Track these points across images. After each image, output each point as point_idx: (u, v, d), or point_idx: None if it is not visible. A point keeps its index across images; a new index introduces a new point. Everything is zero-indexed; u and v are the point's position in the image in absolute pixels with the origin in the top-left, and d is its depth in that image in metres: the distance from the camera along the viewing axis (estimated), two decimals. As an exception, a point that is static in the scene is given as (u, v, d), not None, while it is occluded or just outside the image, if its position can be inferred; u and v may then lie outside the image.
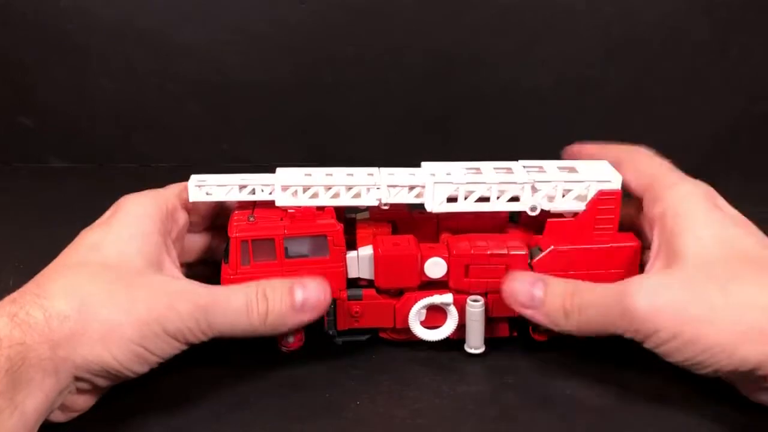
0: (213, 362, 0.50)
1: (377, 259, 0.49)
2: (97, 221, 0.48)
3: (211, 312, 0.44)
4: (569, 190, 0.49)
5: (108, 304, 0.41)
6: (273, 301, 0.45)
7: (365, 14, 0.79)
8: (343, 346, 0.52)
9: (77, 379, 0.41)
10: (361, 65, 0.81)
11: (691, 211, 0.46)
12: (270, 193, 0.49)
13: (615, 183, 0.49)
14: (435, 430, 0.44)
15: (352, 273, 0.50)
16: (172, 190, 0.50)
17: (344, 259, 0.49)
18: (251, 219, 0.49)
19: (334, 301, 0.49)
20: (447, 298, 0.49)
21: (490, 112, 0.82)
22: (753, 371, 0.41)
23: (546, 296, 0.46)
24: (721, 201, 0.47)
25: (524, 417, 0.45)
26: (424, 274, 0.49)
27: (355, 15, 0.79)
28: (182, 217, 0.50)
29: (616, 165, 0.51)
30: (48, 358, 0.39)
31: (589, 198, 0.49)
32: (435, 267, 0.49)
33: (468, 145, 0.54)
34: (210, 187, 0.49)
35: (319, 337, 0.52)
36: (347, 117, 0.83)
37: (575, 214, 0.50)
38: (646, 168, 0.50)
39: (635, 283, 0.43)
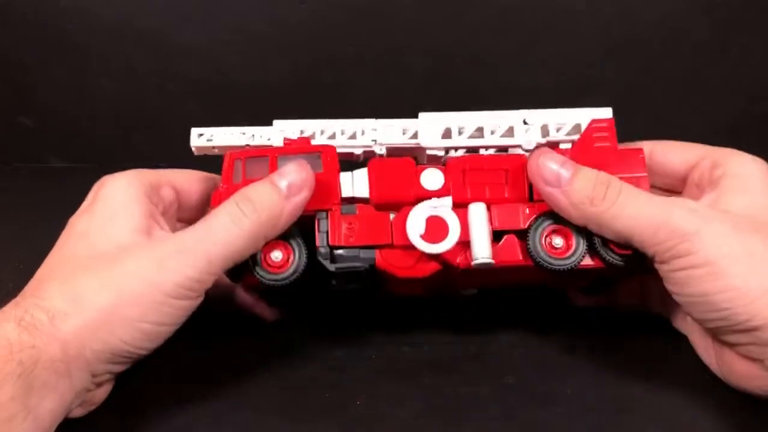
0: (213, 362, 0.50)
1: (372, 169, 0.48)
2: (82, 206, 0.47)
3: (202, 247, 0.42)
4: (563, 124, 0.50)
5: (100, 290, 0.41)
6: (258, 198, 0.44)
7: (365, 14, 0.79)
8: (343, 346, 0.52)
9: (94, 375, 0.41)
10: (361, 65, 0.81)
11: (750, 176, 0.46)
12: (268, 139, 0.50)
13: (607, 113, 0.50)
14: (435, 430, 0.44)
15: (346, 191, 0.48)
16: (158, 170, 0.50)
17: (338, 175, 0.48)
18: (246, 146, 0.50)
19: (326, 213, 0.47)
20: (446, 201, 0.47)
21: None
22: (756, 329, 0.41)
23: (574, 177, 0.44)
24: None
25: (524, 417, 0.45)
26: (420, 186, 0.48)
27: (355, 15, 0.79)
28: (169, 194, 0.50)
29: (653, 152, 0.51)
30: (60, 360, 0.39)
31: (583, 129, 0.49)
32: (431, 177, 0.48)
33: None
34: (210, 134, 0.51)
35: (319, 338, 0.52)
36: (347, 117, 0.82)
37: (572, 144, 0.50)
38: (691, 146, 0.50)
39: (686, 203, 0.43)
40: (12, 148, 0.85)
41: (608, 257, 0.46)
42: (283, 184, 0.44)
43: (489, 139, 0.49)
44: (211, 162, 0.55)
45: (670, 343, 0.52)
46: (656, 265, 0.43)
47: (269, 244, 0.46)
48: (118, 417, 0.45)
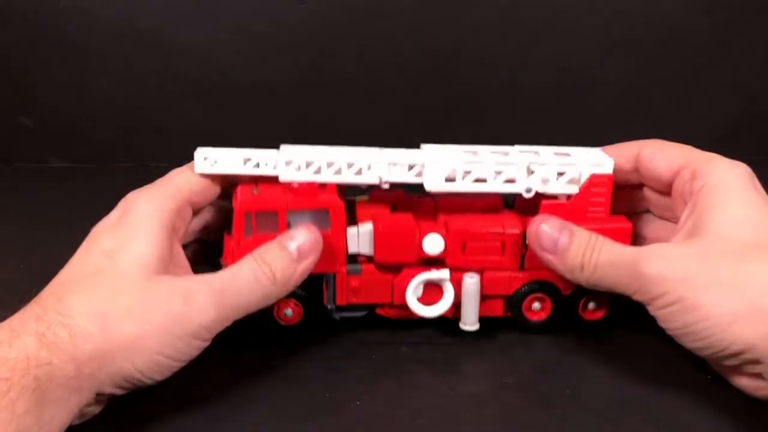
0: (213, 362, 0.50)
1: (377, 234, 0.50)
2: (108, 220, 0.47)
3: (227, 294, 0.44)
4: (563, 173, 0.51)
5: (127, 317, 0.41)
6: (273, 260, 0.46)
7: (365, 14, 0.79)
8: (343, 346, 0.52)
9: (99, 394, 0.41)
10: (361, 65, 0.81)
11: (728, 186, 0.46)
12: (274, 167, 0.50)
13: (607, 167, 0.51)
14: (435, 430, 0.44)
15: (352, 248, 0.51)
16: (178, 183, 0.50)
17: (345, 234, 0.50)
18: (255, 191, 0.50)
19: (333, 276, 0.50)
20: (444, 273, 0.50)
21: (490, 112, 0.83)
22: (741, 353, 0.42)
23: (570, 245, 0.47)
24: (758, 183, 0.47)
25: (524, 417, 0.45)
26: (422, 250, 0.50)
27: (355, 15, 0.79)
28: (189, 215, 0.50)
29: (640, 156, 0.51)
30: (74, 377, 0.39)
31: (582, 181, 0.51)
32: (433, 243, 0.50)
33: (468, 144, 0.54)
34: (215, 159, 0.50)
35: (319, 338, 0.52)
36: (347, 117, 0.83)
37: (569, 197, 0.51)
38: (676, 151, 0.50)
39: (651, 249, 0.45)
40: (12, 148, 0.85)
41: (584, 321, 0.53)
42: (292, 247, 0.46)
43: (491, 185, 0.51)
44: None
45: (670, 343, 0.52)
46: (646, 307, 0.45)
47: (281, 302, 0.50)
48: (117, 417, 0.45)
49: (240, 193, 0.50)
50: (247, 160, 0.50)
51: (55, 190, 0.79)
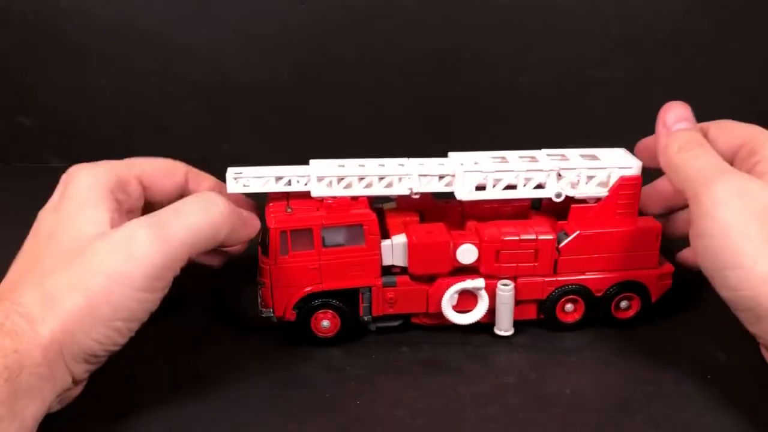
0: (213, 362, 0.50)
1: (411, 247, 0.50)
2: (51, 200, 0.47)
3: (170, 231, 0.42)
4: (592, 177, 0.51)
5: (71, 292, 0.40)
6: (221, 201, 0.45)
7: (365, 14, 0.79)
8: (343, 346, 0.52)
9: (73, 375, 0.41)
10: (361, 65, 0.81)
11: None
12: (305, 184, 0.51)
13: (635, 169, 0.51)
14: (435, 430, 0.44)
15: (387, 261, 0.51)
16: (127, 162, 0.49)
17: (379, 248, 0.50)
18: (289, 210, 0.50)
19: (369, 289, 0.51)
20: (479, 282, 0.51)
21: (490, 112, 0.82)
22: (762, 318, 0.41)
23: (684, 129, 0.48)
24: None
25: (524, 417, 0.45)
26: (455, 260, 0.51)
27: (355, 15, 0.79)
28: (136, 190, 0.49)
29: (707, 137, 0.50)
30: (42, 364, 0.39)
31: (611, 184, 0.51)
32: (467, 253, 0.51)
33: (468, 145, 0.54)
34: (247, 179, 0.51)
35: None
36: (347, 117, 0.83)
37: (598, 200, 0.52)
38: (739, 130, 0.50)
39: (737, 178, 0.43)
40: (12, 147, 0.85)
41: (616, 320, 0.53)
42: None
43: (521, 192, 0.51)
44: (212, 166, 0.55)
45: (671, 343, 0.52)
46: (690, 228, 0.44)
47: (318, 315, 0.51)
48: (118, 416, 0.45)
49: (273, 212, 0.50)
50: (279, 179, 0.51)
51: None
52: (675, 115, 0.49)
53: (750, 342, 0.43)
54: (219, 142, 0.83)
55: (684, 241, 0.54)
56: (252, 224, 0.49)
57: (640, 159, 0.53)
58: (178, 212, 0.44)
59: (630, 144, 0.55)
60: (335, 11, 0.79)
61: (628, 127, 0.54)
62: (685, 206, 0.55)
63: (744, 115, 0.50)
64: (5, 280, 0.43)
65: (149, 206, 0.50)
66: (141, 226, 0.42)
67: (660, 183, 0.56)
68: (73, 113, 0.83)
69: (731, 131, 0.50)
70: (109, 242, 0.42)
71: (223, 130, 0.84)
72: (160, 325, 0.50)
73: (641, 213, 0.53)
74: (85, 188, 0.45)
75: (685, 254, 0.55)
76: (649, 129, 0.52)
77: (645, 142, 0.54)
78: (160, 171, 0.50)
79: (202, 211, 0.44)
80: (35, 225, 0.46)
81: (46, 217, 0.46)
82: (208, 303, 0.57)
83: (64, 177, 0.47)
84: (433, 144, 0.55)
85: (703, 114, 0.50)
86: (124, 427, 0.44)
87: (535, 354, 0.51)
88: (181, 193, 0.51)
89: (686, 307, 0.55)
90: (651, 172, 0.54)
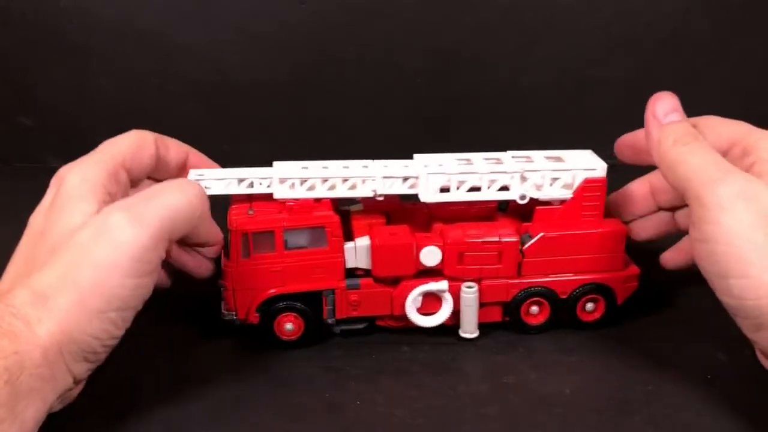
0: (213, 362, 0.50)
1: (374, 249, 0.50)
2: (44, 201, 0.46)
3: (148, 214, 0.42)
4: (556, 179, 0.51)
5: (61, 289, 0.40)
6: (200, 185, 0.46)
7: (365, 14, 0.79)
8: (343, 346, 0.52)
9: (73, 374, 0.41)
10: (361, 65, 0.81)
11: None
12: (268, 186, 0.50)
13: (600, 171, 0.51)
14: (435, 430, 0.44)
15: (350, 263, 0.51)
16: (108, 150, 0.49)
17: (342, 250, 0.50)
18: (250, 212, 0.50)
19: (332, 291, 0.51)
20: (443, 285, 0.51)
21: (490, 112, 0.82)
22: (762, 328, 0.40)
23: (675, 122, 0.47)
24: None
25: (524, 417, 0.45)
26: (419, 262, 0.50)
27: (355, 15, 0.79)
28: (123, 178, 0.49)
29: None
30: (42, 365, 0.38)
31: (575, 186, 0.51)
32: (430, 255, 0.50)
33: (468, 144, 0.54)
34: (208, 181, 0.50)
35: (319, 337, 0.52)
36: (347, 117, 0.83)
37: (562, 202, 0.52)
38: (727, 128, 0.49)
39: (742, 180, 0.42)
40: (12, 147, 0.85)
41: (581, 322, 0.53)
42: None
43: (486, 194, 0.51)
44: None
45: (671, 343, 0.52)
46: (689, 229, 0.43)
47: (281, 317, 0.50)
48: (118, 416, 0.45)
49: (235, 215, 0.50)
50: (241, 181, 0.51)
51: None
52: (665, 107, 0.48)
53: (749, 342, 0.43)
54: (219, 142, 0.83)
55: (650, 244, 0.55)
56: (214, 230, 0.48)
57: (621, 156, 0.53)
58: (154, 194, 0.43)
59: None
60: (335, 11, 0.79)
61: (628, 127, 0.54)
62: (661, 210, 0.55)
63: (744, 115, 0.50)
64: (1, 282, 0.43)
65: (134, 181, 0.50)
66: (116, 210, 0.42)
67: (629, 191, 0.55)
68: (73, 113, 0.83)
69: (720, 128, 0.49)
70: (89, 231, 0.41)
71: (223, 130, 0.83)
72: (160, 326, 0.50)
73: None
74: (78, 187, 0.45)
75: (667, 256, 0.55)
76: (649, 129, 0.52)
77: (626, 139, 0.54)
78: (135, 149, 0.50)
79: (177, 191, 0.44)
80: (27, 227, 0.46)
81: (37, 217, 0.46)
82: (208, 304, 0.57)
83: (54, 179, 0.47)
84: (433, 144, 0.55)
85: (703, 113, 0.50)
86: (124, 427, 0.44)
87: (535, 354, 0.51)
88: (156, 162, 0.51)
89: (686, 308, 0.55)
90: (618, 174, 0.54)
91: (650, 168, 0.53)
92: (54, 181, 0.47)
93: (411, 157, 0.53)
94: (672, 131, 0.46)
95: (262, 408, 0.46)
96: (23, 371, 0.38)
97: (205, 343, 0.52)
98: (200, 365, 0.50)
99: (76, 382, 0.42)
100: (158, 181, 0.52)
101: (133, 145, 0.50)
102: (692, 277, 0.53)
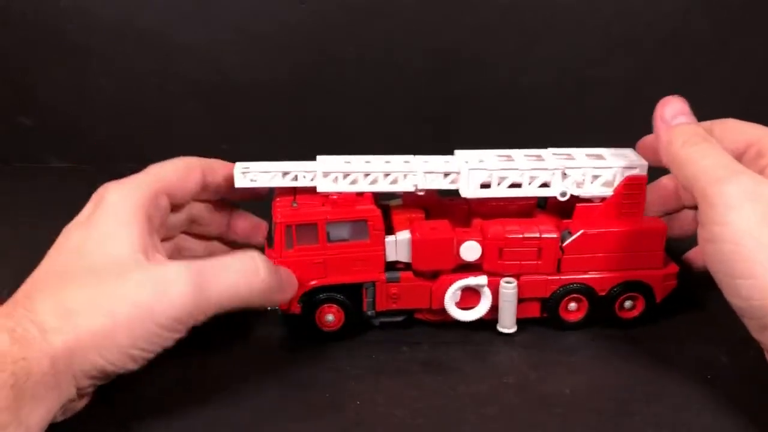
0: (213, 362, 0.50)
1: (415, 243, 0.51)
2: (81, 216, 0.46)
3: (208, 285, 0.43)
4: (597, 176, 0.51)
5: (94, 311, 0.40)
6: (270, 266, 0.46)
7: (365, 14, 0.79)
8: (343, 346, 0.52)
9: (79, 388, 0.41)
10: (361, 65, 0.81)
11: None
12: (311, 180, 0.51)
13: (641, 169, 0.51)
14: (435, 430, 0.44)
15: (390, 256, 0.51)
16: (154, 175, 0.49)
17: (383, 243, 0.51)
18: (294, 205, 0.50)
19: (373, 284, 0.51)
20: (482, 280, 0.51)
21: (490, 112, 0.82)
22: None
23: (685, 124, 0.47)
24: None
25: (524, 417, 0.45)
26: (459, 257, 0.51)
27: (355, 15, 0.79)
28: (164, 204, 0.49)
29: (709, 131, 0.49)
30: (49, 373, 0.39)
31: (616, 184, 0.51)
32: (470, 250, 0.51)
33: (468, 144, 0.54)
34: (254, 174, 0.51)
35: (318, 338, 0.52)
36: (347, 117, 0.83)
37: (603, 199, 0.52)
38: (743, 129, 0.49)
39: (750, 180, 0.42)
40: (12, 148, 0.85)
41: (620, 319, 0.53)
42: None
43: (526, 190, 0.51)
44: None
45: (671, 343, 0.52)
46: (698, 230, 0.43)
47: (323, 308, 0.51)
48: (119, 417, 0.45)
49: (279, 207, 0.50)
50: (285, 174, 0.51)
51: (55, 190, 0.79)
52: (673, 110, 0.48)
53: (751, 343, 0.43)
54: (219, 142, 0.83)
55: (688, 242, 0.55)
56: (287, 289, 0.49)
57: (644, 158, 0.53)
58: (223, 268, 0.44)
59: (631, 144, 0.55)
60: (335, 11, 0.79)
61: (628, 127, 0.54)
62: (685, 207, 0.56)
63: (744, 116, 0.50)
64: (21, 289, 0.43)
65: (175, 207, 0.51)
66: (184, 271, 0.43)
67: (661, 184, 0.56)
68: (73, 113, 0.83)
69: (737, 131, 0.49)
70: (145, 275, 0.42)
71: (223, 130, 0.84)
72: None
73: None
74: (118, 207, 0.45)
75: (692, 255, 0.55)
76: (649, 129, 0.52)
77: (646, 141, 0.54)
78: (180, 176, 0.50)
79: (243, 277, 0.45)
80: (61, 239, 0.45)
81: (74, 232, 0.45)
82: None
83: (94, 196, 0.47)
84: (433, 144, 0.55)
85: (703, 114, 0.50)
86: (125, 428, 0.44)
87: (535, 354, 0.51)
88: (201, 189, 0.51)
89: (687, 307, 0.55)
90: (655, 172, 0.54)
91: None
92: (94, 198, 0.47)
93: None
94: (681, 132, 0.46)
95: (262, 408, 0.46)
96: (29, 377, 0.38)
97: (205, 344, 0.52)
98: (200, 367, 0.50)
99: (80, 395, 0.42)
100: (204, 201, 0.53)
101: (179, 172, 0.50)
102: (694, 276, 0.53)
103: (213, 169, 0.52)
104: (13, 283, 0.44)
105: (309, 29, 0.79)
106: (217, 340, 0.53)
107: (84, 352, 0.40)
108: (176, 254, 0.53)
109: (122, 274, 0.42)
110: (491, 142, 0.56)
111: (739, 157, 0.48)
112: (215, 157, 0.56)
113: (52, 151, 0.85)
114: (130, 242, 0.44)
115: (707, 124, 0.50)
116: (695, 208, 0.54)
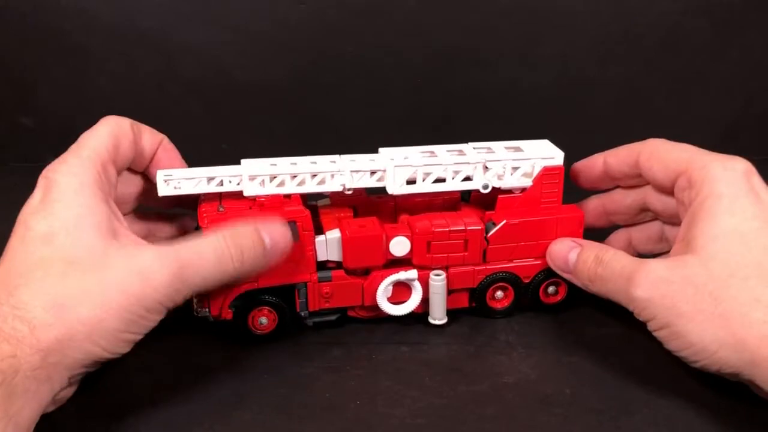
0: (213, 362, 0.50)
1: (345, 241, 0.51)
2: (33, 200, 0.45)
3: (186, 273, 0.43)
4: (517, 168, 0.53)
5: (85, 301, 0.41)
6: (246, 248, 0.46)
7: (365, 14, 0.79)
8: (343, 346, 0.52)
9: (70, 377, 0.41)
10: (361, 65, 0.81)
11: (720, 196, 0.45)
12: (237, 184, 0.51)
13: (558, 159, 0.53)
14: (435, 430, 0.44)
15: (321, 256, 0.51)
16: (93, 146, 0.48)
17: (313, 243, 0.51)
18: (221, 209, 0.50)
19: (305, 284, 0.51)
20: (412, 274, 0.52)
21: (490, 112, 0.83)
22: (732, 375, 0.42)
23: (577, 263, 0.50)
24: (757, 180, 0.46)
25: (524, 417, 0.45)
26: (389, 252, 0.52)
27: (355, 15, 0.79)
28: (113, 174, 0.48)
29: (639, 163, 0.52)
30: (40, 367, 0.39)
31: (534, 174, 0.53)
32: (399, 245, 0.52)
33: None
34: (178, 181, 0.50)
35: (319, 338, 0.52)
36: (347, 117, 0.83)
37: (523, 190, 0.53)
38: (674, 155, 0.50)
39: (642, 272, 0.45)
40: (12, 148, 0.85)
41: (544, 305, 0.55)
42: (267, 241, 0.47)
43: (450, 185, 0.52)
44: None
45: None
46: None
47: (255, 312, 0.51)
48: (118, 416, 0.45)
49: (206, 212, 0.50)
50: (210, 179, 0.51)
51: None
52: (562, 252, 0.51)
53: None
54: (219, 142, 0.83)
55: (606, 229, 0.58)
56: (273, 252, 0.48)
57: (575, 182, 0.56)
58: (197, 254, 0.44)
59: (630, 142, 0.55)
60: (335, 11, 0.79)
61: (628, 127, 0.54)
62: (619, 187, 0.57)
63: (744, 115, 0.50)
64: (1, 285, 0.42)
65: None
66: (158, 257, 0.43)
67: (594, 160, 0.56)
68: (73, 113, 0.83)
69: (665, 157, 0.50)
70: (125, 261, 0.43)
71: (223, 130, 0.84)
72: (160, 325, 0.50)
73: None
74: (73, 190, 0.44)
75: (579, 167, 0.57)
76: (649, 129, 0.52)
77: (578, 166, 0.56)
78: (115, 139, 0.49)
79: (220, 263, 0.45)
80: (20, 228, 0.44)
81: (33, 218, 0.44)
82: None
83: (41, 179, 0.45)
84: (433, 144, 0.55)
85: (703, 114, 0.50)
86: (124, 427, 0.44)
87: (535, 354, 0.51)
88: (134, 152, 0.51)
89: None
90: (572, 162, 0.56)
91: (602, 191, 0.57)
92: (41, 183, 0.45)
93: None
94: (581, 273, 0.50)
95: (262, 408, 0.46)
96: (18, 374, 0.38)
97: (205, 342, 0.52)
98: (200, 365, 0.50)
99: (70, 384, 0.42)
100: (135, 172, 0.52)
101: (112, 135, 0.49)
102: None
103: (140, 131, 0.51)
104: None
105: (309, 29, 0.79)
106: (215, 340, 0.53)
107: (78, 343, 0.40)
108: (149, 236, 0.53)
109: (103, 262, 0.42)
110: (491, 141, 0.56)
111: (672, 184, 0.49)
112: (215, 157, 0.56)
113: (52, 151, 0.84)
114: (98, 227, 0.43)
115: (633, 149, 0.52)
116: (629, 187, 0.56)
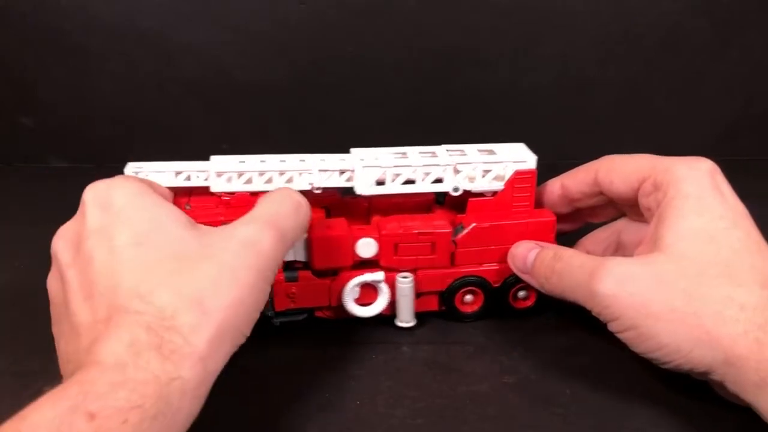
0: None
1: (312, 242, 0.51)
2: (91, 222, 0.41)
3: (282, 229, 0.42)
4: (488, 171, 0.53)
5: (219, 294, 0.37)
6: (300, 195, 0.45)
7: (365, 14, 0.79)
8: (343, 346, 0.52)
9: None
10: (361, 65, 0.81)
11: (685, 195, 0.45)
12: (205, 180, 0.51)
13: (530, 163, 0.53)
14: (435, 430, 0.44)
15: (288, 256, 0.51)
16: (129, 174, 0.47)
17: None
18: (187, 207, 0.50)
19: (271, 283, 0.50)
20: (378, 276, 0.52)
21: (490, 112, 0.83)
22: (706, 374, 0.42)
23: (535, 261, 0.49)
24: (721, 179, 0.46)
25: (524, 417, 0.45)
26: (356, 254, 0.51)
27: (355, 15, 0.79)
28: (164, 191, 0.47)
29: (598, 180, 0.52)
30: (203, 382, 0.36)
31: (506, 177, 0.53)
32: (366, 247, 0.51)
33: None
34: (146, 174, 0.51)
35: (319, 337, 0.52)
36: (347, 117, 0.83)
37: (494, 193, 0.53)
38: (632, 166, 0.50)
39: (606, 266, 0.44)
40: (12, 148, 0.85)
41: (514, 310, 0.55)
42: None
43: (420, 186, 0.52)
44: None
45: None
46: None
47: None
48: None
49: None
50: (178, 173, 0.51)
51: (55, 190, 0.79)
52: (522, 253, 0.51)
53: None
54: (219, 142, 0.83)
55: (577, 232, 0.57)
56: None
57: (542, 202, 0.55)
58: (276, 210, 0.43)
59: (630, 144, 0.55)
60: (335, 11, 0.79)
61: (628, 127, 0.54)
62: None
63: (743, 115, 0.50)
64: (108, 296, 0.38)
65: None
66: (254, 225, 0.41)
67: (547, 187, 0.56)
68: (73, 113, 0.83)
69: (624, 169, 0.50)
70: (232, 242, 0.40)
71: (223, 130, 0.84)
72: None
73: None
74: (141, 196, 0.42)
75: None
76: (649, 129, 0.52)
77: (543, 188, 0.56)
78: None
79: (294, 211, 0.44)
80: (89, 252, 0.39)
81: (110, 230, 0.40)
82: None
83: (92, 199, 0.42)
84: (432, 144, 0.55)
85: (703, 113, 0.50)
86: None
87: (535, 354, 0.51)
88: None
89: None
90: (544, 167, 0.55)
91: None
92: (94, 201, 0.42)
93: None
94: (538, 271, 0.49)
95: (262, 407, 0.46)
96: (184, 396, 0.34)
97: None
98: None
99: None
100: None
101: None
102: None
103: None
104: (12, 283, 0.43)
105: (308, 29, 0.79)
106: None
107: (223, 338, 0.37)
108: None
109: (209, 248, 0.39)
110: (491, 142, 0.56)
111: (635, 194, 0.49)
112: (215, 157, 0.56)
113: (52, 151, 0.85)
114: (177, 219, 0.41)
115: (589, 168, 0.52)
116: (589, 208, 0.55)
